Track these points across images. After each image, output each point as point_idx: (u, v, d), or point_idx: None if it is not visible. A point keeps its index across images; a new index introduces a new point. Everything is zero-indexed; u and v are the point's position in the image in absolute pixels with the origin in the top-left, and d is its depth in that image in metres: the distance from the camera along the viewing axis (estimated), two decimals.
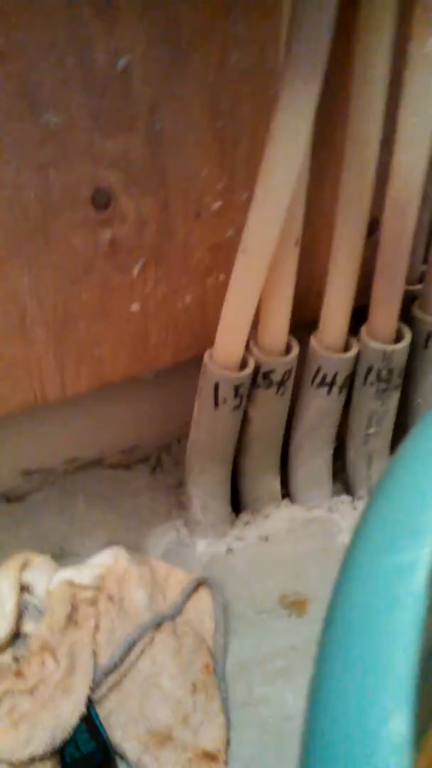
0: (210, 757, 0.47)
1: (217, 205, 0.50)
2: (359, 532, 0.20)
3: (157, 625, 0.52)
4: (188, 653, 0.51)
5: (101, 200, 0.47)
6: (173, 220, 0.49)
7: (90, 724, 0.47)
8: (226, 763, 0.47)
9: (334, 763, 0.17)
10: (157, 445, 0.67)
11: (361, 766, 0.16)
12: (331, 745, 0.17)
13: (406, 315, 0.57)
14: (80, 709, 0.47)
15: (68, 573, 0.53)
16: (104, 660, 0.49)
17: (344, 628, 0.18)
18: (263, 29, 0.43)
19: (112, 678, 0.49)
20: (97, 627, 0.51)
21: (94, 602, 0.52)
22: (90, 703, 0.48)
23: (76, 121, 0.43)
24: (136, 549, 0.59)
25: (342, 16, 0.39)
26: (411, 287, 0.57)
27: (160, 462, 0.67)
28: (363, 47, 0.42)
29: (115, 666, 0.49)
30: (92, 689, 0.48)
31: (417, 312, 0.57)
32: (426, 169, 0.45)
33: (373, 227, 0.53)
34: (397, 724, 0.16)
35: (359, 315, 0.56)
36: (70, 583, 0.53)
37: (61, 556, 0.59)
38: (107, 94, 0.43)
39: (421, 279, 0.59)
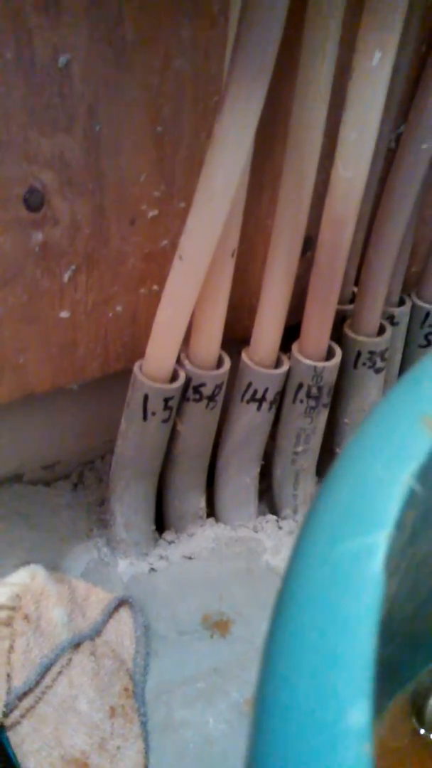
0: None
1: (153, 213, 0.49)
2: (312, 516, 0.19)
3: (76, 645, 0.50)
4: (107, 675, 0.49)
5: (34, 201, 0.45)
6: (108, 226, 0.48)
7: (1, 751, 0.44)
8: None
9: (287, 761, 0.16)
10: (80, 461, 0.65)
11: (318, 761, 0.15)
12: (284, 741, 0.16)
13: (337, 334, 0.57)
14: None
15: None
16: (18, 683, 0.47)
17: (296, 617, 0.18)
18: (209, 36, 0.43)
19: (27, 702, 0.46)
20: (11, 648, 0.48)
21: (9, 622, 0.50)
22: (2, 730, 0.45)
23: (11, 116, 0.42)
24: (54, 568, 0.57)
25: (288, 26, 0.39)
26: (342, 307, 0.58)
27: (82, 479, 0.65)
28: (306, 60, 0.42)
29: (30, 689, 0.47)
30: (5, 714, 0.45)
31: (347, 331, 0.57)
32: (364, 186, 0.46)
33: (308, 245, 0.54)
34: (355, 715, 0.16)
35: (291, 334, 0.56)
36: None
37: None
38: (46, 91, 0.42)
39: (352, 300, 0.60)
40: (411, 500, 0.20)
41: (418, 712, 0.37)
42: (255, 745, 0.17)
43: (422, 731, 0.38)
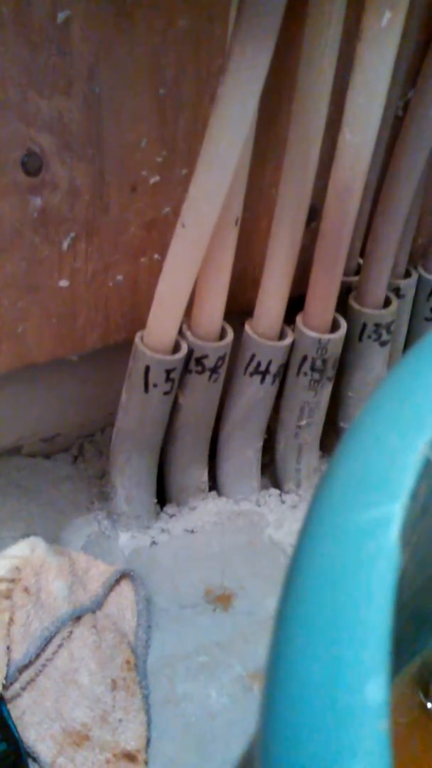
0: (129, 757, 0.45)
1: (154, 179, 0.48)
2: (324, 486, 0.18)
3: (77, 618, 0.49)
4: (108, 648, 0.49)
5: (32, 165, 0.44)
6: (108, 193, 0.47)
7: (1, 723, 0.44)
8: (146, 762, 0.45)
9: (302, 738, 0.15)
10: (80, 433, 0.65)
11: (333, 738, 0.15)
12: (297, 717, 0.15)
13: (342, 306, 0.56)
14: None
15: None
16: (18, 655, 0.46)
17: (310, 591, 0.17)
18: None
19: (27, 674, 0.46)
20: (11, 621, 0.48)
21: (8, 595, 0.49)
22: (2, 702, 0.45)
23: (9, 76, 0.40)
24: (54, 541, 0.56)
25: None
26: (347, 278, 0.57)
27: (82, 451, 0.64)
28: (313, 21, 0.41)
29: (30, 662, 0.46)
30: (5, 687, 0.45)
31: (353, 303, 0.56)
32: (372, 152, 0.45)
33: (313, 215, 0.53)
34: (372, 690, 0.15)
35: (295, 306, 0.55)
36: None
37: None
38: (45, 50, 0.40)
39: (357, 271, 0.58)
40: (426, 470, 0.19)
41: (425, 686, 0.37)
42: (267, 720, 0.16)
43: (429, 705, 0.37)
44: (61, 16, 0.39)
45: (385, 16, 0.41)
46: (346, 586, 0.16)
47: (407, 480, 0.18)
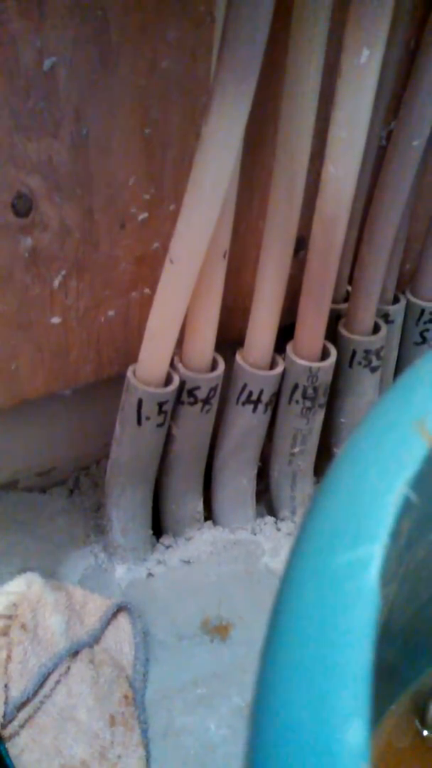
0: None
1: (143, 215, 0.49)
2: (305, 528, 0.19)
3: (74, 653, 0.49)
4: (106, 683, 0.49)
5: (22, 206, 0.45)
6: (97, 230, 0.48)
7: (0, 763, 0.44)
8: None
9: None
10: (75, 466, 0.65)
11: None
12: (279, 761, 0.15)
13: (332, 334, 0.57)
14: None
15: None
16: (16, 693, 0.46)
17: (291, 632, 0.17)
18: (195, 36, 0.43)
19: (25, 712, 0.46)
20: (9, 658, 0.48)
21: (5, 632, 0.49)
22: (0, 741, 0.44)
23: None
24: (51, 575, 0.56)
25: (276, 24, 0.39)
26: (336, 306, 0.57)
27: (78, 484, 0.64)
28: (294, 58, 0.42)
29: (28, 699, 0.46)
30: (3, 725, 0.45)
31: (342, 330, 0.57)
32: (355, 185, 0.46)
33: (300, 245, 0.54)
34: (354, 732, 0.15)
35: (285, 334, 0.56)
36: None
37: None
38: (32, 95, 0.41)
39: (346, 298, 0.59)
40: (406, 509, 0.19)
41: (421, 713, 0.37)
42: (250, 762, 0.17)
43: (425, 733, 0.37)
44: (47, 63, 0.40)
45: (363, 53, 0.42)
46: (326, 628, 0.17)
47: (387, 520, 0.19)
